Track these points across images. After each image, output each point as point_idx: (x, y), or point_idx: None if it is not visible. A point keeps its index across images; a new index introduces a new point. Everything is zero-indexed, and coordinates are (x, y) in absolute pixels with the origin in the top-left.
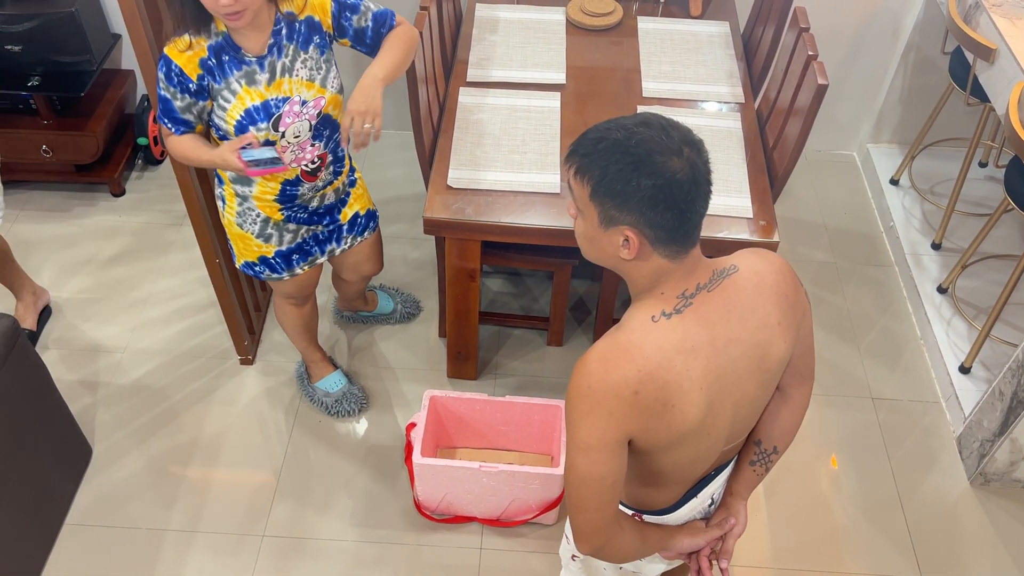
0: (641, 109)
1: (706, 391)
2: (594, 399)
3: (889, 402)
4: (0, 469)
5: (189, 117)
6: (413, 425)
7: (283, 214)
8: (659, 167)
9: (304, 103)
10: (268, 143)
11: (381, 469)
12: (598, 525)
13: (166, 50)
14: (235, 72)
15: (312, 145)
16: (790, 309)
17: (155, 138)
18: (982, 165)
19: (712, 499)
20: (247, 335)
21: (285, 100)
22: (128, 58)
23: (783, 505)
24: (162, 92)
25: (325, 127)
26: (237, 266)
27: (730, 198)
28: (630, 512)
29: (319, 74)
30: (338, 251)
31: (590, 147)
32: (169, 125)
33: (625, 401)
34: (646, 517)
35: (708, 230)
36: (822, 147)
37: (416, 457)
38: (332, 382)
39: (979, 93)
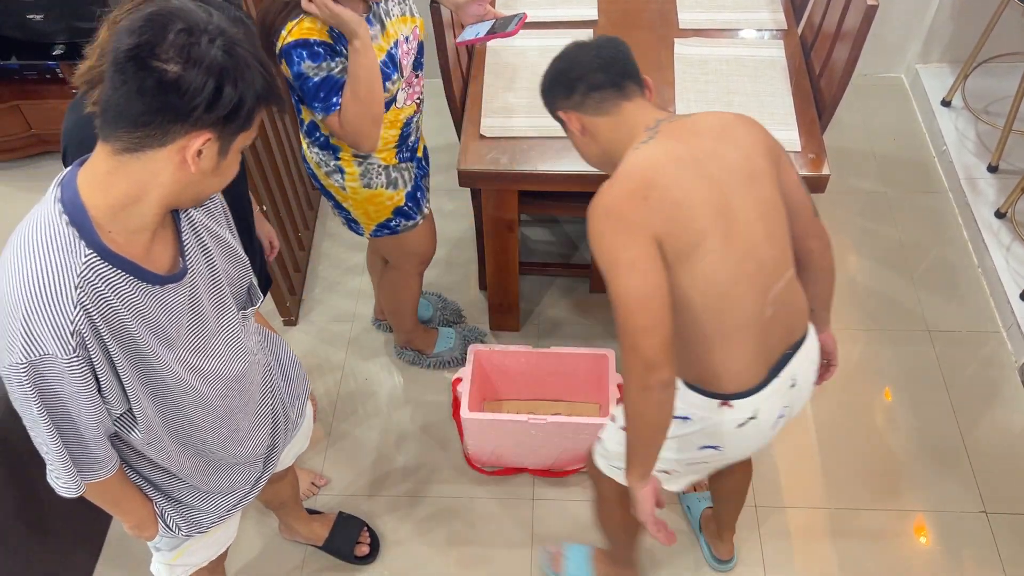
0: (678, 42)
1: (706, 193)
2: (615, 214)
3: (946, 334)
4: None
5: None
6: (459, 380)
7: (396, 157)
8: (568, 57)
9: (407, 39)
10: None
11: (430, 424)
12: (664, 345)
13: (293, 36)
14: None
15: (417, 76)
16: (760, 138)
17: None
18: None
19: (794, 380)
20: (288, 296)
21: (396, 44)
22: None
23: (838, 443)
24: (316, 77)
25: (421, 54)
26: (367, 235)
27: (775, 131)
28: (717, 401)
29: (405, 5)
30: (428, 184)
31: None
32: (336, 100)
33: (639, 205)
34: (733, 403)
35: None
36: (868, 71)
37: (463, 412)
38: (446, 338)
39: None
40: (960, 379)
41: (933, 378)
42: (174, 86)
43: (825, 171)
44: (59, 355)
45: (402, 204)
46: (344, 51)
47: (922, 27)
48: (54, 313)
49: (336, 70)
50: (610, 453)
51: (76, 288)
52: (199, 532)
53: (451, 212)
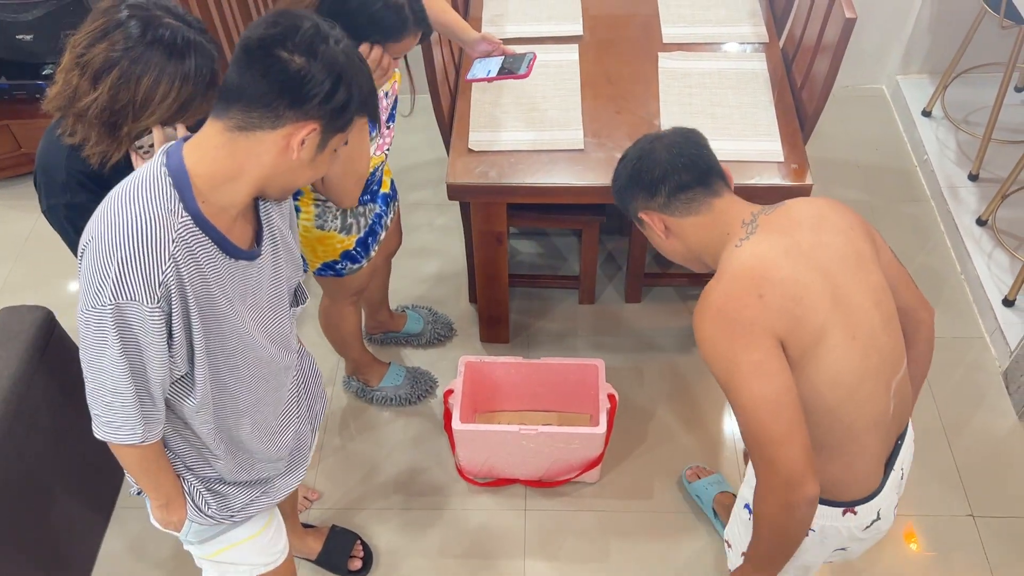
0: (662, 56)
1: (820, 284)
2: (728, 316)
3: None
4: (46, 463)
5: None
6: (451, 391)
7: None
8: (647, 155)
9: (387, 95)
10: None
11: (422, 436)
12: (804, 456)
13: None
14: None
15: (388, 128)
16: (855, 221)
17: None
18: (1018, 90)
19: (903, 470)
20: None
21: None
22: None
23: None
24: None
25: (395, 107)
26: (312, 272)
27: (759, 142)
28: (839, 509)
29: None
30: (388, 222)
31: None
32: None
33: (754, 304)
34: (857, 509)
35: (739, 176)
36: (849, 82)
37: (455, 423)
38: (395, 375)
39: (1014, 15)
40: (945, 385)
41: None
42: (297, 75)
43: (808, 181)
44: (145, 302)
45: (351, 248)
46: None
47: (901, 39)
48: (149, 262)
49: None
50: None
51: (173, 242)
52: (230, 517)
53: (441, 226)
